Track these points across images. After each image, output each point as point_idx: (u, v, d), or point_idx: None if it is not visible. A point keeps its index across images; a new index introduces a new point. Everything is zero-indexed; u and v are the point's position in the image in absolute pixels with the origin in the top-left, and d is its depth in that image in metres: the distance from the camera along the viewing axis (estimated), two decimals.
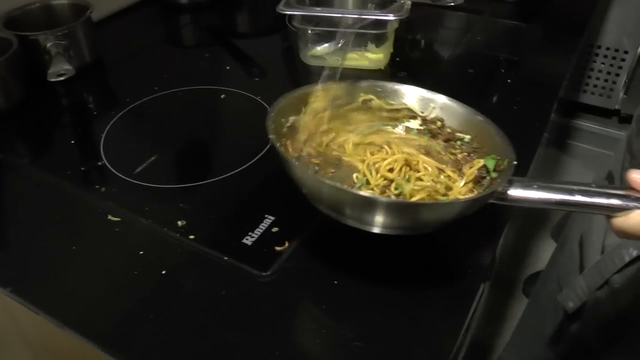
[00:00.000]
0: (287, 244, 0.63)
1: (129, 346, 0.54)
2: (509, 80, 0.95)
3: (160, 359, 0.53)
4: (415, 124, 0.69)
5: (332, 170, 0.63)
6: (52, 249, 0.65)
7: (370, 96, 0.70)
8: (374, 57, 0.96)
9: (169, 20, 1.21)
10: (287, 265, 0.61)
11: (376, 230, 0.55)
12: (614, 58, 2.15)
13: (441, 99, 0.69)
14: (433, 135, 0.68)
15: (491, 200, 0.54)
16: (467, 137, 0.66)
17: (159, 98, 0.90)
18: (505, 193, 0.54)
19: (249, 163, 0.75)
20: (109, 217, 0.68)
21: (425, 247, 0.64)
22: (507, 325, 1.60)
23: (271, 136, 0.59)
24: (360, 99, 0.70)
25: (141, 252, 0.63)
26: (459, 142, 0.66)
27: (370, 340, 0.54)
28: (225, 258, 0.62)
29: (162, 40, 1.14)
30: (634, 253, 0.65)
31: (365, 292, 0.58)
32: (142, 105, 0.89)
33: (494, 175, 0.59)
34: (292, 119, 0.65)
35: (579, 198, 0.51)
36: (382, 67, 0.96)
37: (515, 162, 0.57)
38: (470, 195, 0.59)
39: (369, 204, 0.53)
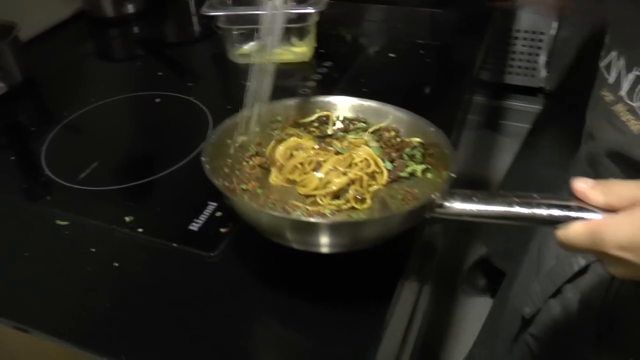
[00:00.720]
0: (231, 226, 0.67)
1: (91, 337, 0.57)
2: (427, 60, 1.02)
3: (122, 344, 0.56)
4: (367, 135, 0.69)
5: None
6: (3, 257, 0.66)
7: (326, 112, 0.71)
8: (299, 50, 1.01)
9: (98, 34, 1.22)
10: (232, 244, 0.65)
11: (323, 250, 0.56)
12: (532, 39, 2.28)
13: (394, 110, 0.69)
14: (386, 144, 0.68)
15: (431, 215, 0.54)
16: (416, 140, 0.67)
17: (96, 108, 0.93)
18: (443, 206, 0.53)
19: (189, 157, 0.78)
20: (57, 221, 0.70)
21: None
22: (454, 320, 1.64)
23: (206, 165, 0.59)
24: (316, 115, 0.71)
25: (93, 250, 0.66)
26: (407, 150, 0.66)
27: (313, 302, 0.58)
28: (174, 245, 0.65)
29: (93, 54, 1.16)
30: (583, 262, 0.65)
31: (301, 262, 0.62)
32: (80, 116, 0.91)
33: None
34: (240, 138, 0.67)
35: (519, 210, 0.50)
36: (307, 59, 1.02)
37: (454, 176, 0.57)
38: (407, 206, 0.60)
39: (308, 228, 0.54)
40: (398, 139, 0.68)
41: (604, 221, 0.44)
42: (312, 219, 0.58)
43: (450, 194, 0.53)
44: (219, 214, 0.69)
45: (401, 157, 0.67)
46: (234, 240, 0.65)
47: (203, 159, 0.60)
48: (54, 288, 0.62)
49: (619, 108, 0.54)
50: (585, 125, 0.64)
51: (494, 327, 0.94)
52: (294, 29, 1.00)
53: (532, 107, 2.44)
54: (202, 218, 0.68)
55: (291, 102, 0.71)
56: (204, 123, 0.85)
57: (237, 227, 0.66)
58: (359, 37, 1.15)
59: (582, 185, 0.47)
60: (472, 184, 2.00)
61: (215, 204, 0.70)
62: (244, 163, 0.67)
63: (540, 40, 2.26)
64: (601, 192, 0.46)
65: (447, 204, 0.53)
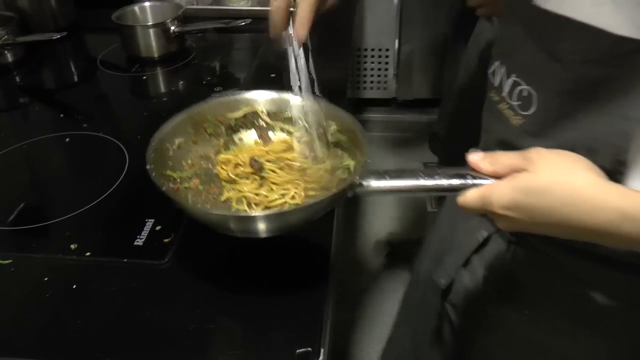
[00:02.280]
0: (172, 235, 0.75)
1: (66, 350, 0.62)
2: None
3: (95, 352, 0.62)
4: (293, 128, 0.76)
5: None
6: None
7: (252, 108, 0.77)
8: None
9: None
10: (179, 250, 0.73)
11: (262, 235, 0.63)
12: (379, 56, 2.54)
13: (311, 100, 0.75)
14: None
15: (352, 194, 0.62)
16: (333, 126, 0.74)
17: (4, 155, 0.95)
18: (361, 185, 0.61)
19: (115, 184, 0.85)
20: None
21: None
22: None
23: (150, 167, 0.65)
24: (242, 112, 0.77)
25: (46, 279, 0.70)
26: (331, 128, 0.74)
27: (255, 292, 0.69)
28: (125, 260, 0.72)
29: None
30: (485, 234, 0.74)
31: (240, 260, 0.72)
32: None
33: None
34: (177, 141, 0.73)
35: (425, 182, 0.58)
36: None
37: (369, 161, 0.65)
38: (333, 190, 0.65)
39: (247, 220, 0.64)
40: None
41: (490, 187, 0.55)
42: (250, 213, 0.67)
43: (365, 174, 0.62)
44: (158, 227, 0.77)
45: (328, 147, 0.74)
46: (180, 247, 0.74)
47: (148, 167, 0.65)
48: (20, 319, 0.66)
49: (503, 106, 0.66)
50: (482, 122, 0.76)
51: (413, 304, 1.01)
52: None
53: (388, 116, 2.72)
54: (144, 234, 0.76)
55: (216, 100, 0.77)
56: (119, 153, 0.92)
57: (178, 235, 0.75)
58: (232, 67, 1.28)
59: (474, 157, 0.57)
60: None
61: (152, 219, 0.78)
62: (184, 163, 0.73)
63: (387, 57, 2.53)
64: (489, 162, 0.56)
65: (365, 183, 0.62)
